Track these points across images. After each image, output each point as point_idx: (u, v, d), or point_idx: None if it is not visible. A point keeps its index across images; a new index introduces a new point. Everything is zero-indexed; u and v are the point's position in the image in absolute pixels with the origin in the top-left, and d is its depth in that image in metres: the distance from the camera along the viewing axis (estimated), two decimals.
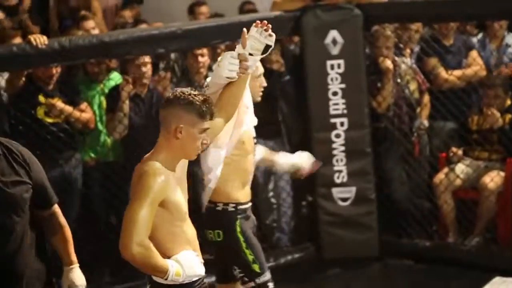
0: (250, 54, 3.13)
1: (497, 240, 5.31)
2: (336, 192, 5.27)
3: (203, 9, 6.64)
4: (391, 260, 5.36)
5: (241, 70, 3.14)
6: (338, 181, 5.26)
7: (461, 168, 5.36)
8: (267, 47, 3.15)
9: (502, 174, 5.25)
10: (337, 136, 5.26)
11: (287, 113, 5.45)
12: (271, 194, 5.46)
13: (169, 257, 2.78)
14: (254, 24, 3.13)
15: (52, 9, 6.76)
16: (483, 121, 5.33)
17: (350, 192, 5.27)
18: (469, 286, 4.83)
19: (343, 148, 5.26)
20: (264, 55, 3.17)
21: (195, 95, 2.82)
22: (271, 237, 5.44)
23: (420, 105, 5.53)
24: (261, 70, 3.71)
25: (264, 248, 3.84)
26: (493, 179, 5.22)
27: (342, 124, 5.25)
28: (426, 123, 5.55)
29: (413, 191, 5.52)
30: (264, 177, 5.40)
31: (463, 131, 5.43)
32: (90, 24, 5.75)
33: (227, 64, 3.12)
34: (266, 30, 3.12)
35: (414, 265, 5.31)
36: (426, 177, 5.55)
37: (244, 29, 3.14)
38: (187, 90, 2.84)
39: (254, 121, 3.66)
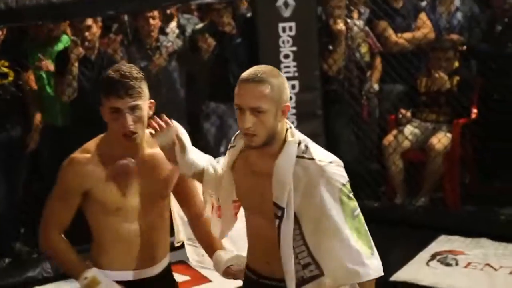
0: None
1: (443, 200, 5.43)
2: None
3: None
4: None
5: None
6: None
7: (409, 130, 5.44)
8: None
9: (449, 135, 5.34)
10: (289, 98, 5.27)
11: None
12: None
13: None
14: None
15: None
16: (431, 84, 5.40)
17: None
18: (416, 245, 4.91)
19: (294, 110, 5.28)
20: None
21: (113, 71, 2.45)
22: None
23: (370, 68, 5.57)
24: None
25: None
26: (440, 140, 5.30)
27: (293, 86, 5.28)
28: (376, 86, 5.60)
29: (362, 153, 5.59)
30: (214, 140, 5.42)
31: (412, 93, 5.50)
32: None
33: None
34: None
35: None
36: (375, 139, 5.62)
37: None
38: (118, 66, 2.50)
39: None
